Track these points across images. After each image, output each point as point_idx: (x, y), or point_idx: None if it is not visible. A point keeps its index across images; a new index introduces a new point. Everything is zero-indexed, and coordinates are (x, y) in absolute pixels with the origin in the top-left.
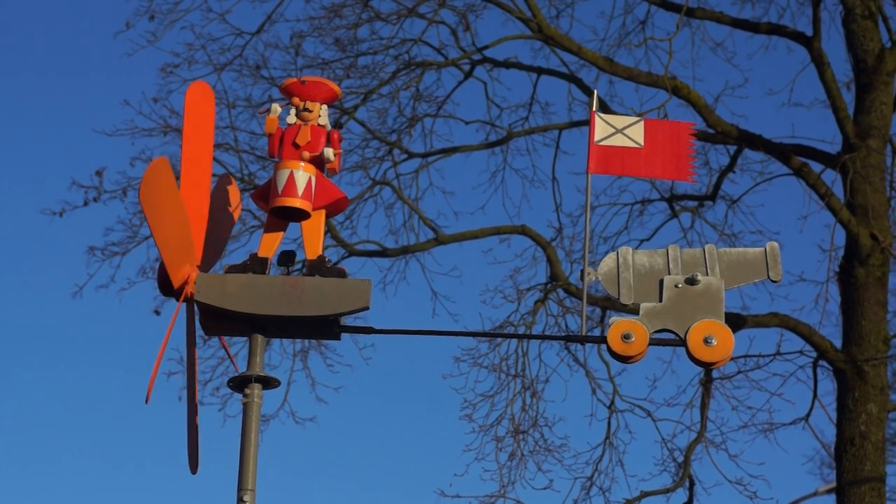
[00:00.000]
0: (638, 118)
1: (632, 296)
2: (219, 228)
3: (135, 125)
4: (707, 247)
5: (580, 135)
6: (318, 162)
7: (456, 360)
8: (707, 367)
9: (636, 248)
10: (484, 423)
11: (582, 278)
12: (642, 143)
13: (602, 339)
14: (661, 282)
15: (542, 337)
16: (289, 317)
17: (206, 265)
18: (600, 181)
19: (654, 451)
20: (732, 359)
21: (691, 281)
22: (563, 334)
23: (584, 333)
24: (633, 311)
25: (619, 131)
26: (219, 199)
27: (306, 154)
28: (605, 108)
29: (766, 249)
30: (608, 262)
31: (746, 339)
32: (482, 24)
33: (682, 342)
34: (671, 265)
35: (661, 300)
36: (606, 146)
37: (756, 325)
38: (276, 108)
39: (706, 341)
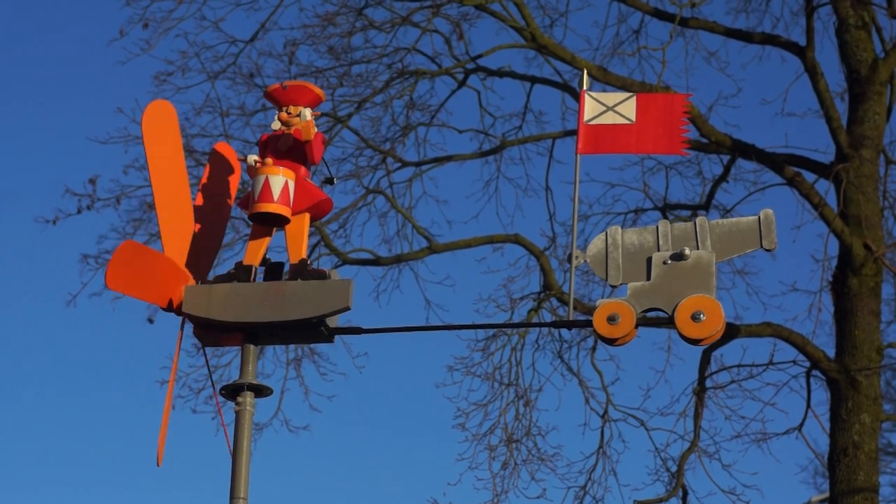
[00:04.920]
0: (630, 94)
1: (620, 276)
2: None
3: (128, 133)
4: (698, 219)
5: (574, 144)
6: (302, 159)
7: (449, 369)
8: (696, 343)
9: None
10: (477, 432)
11: (569, 261)
12: (634, 119)
13: (589, 323)
14: (650, 259)
15: (528, 325)
16: (277, 322)
17: (205, 265)
18: (593, 190)
19: (647, 460)
20: (725, 368)
21: (679, 256)
22: (550, 321)
23: (570, 318)
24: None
25: (611, 109)
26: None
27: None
28: None
29: (759, 217)
30: (597, 243)
31: (739, 349)
32: (476, 33)
33: (670, 320)
34: (661, 241)
35: (649, 278)
36: (596, 125)
37: (749, 335)
38: (251, 158)
39: (694, 317)
